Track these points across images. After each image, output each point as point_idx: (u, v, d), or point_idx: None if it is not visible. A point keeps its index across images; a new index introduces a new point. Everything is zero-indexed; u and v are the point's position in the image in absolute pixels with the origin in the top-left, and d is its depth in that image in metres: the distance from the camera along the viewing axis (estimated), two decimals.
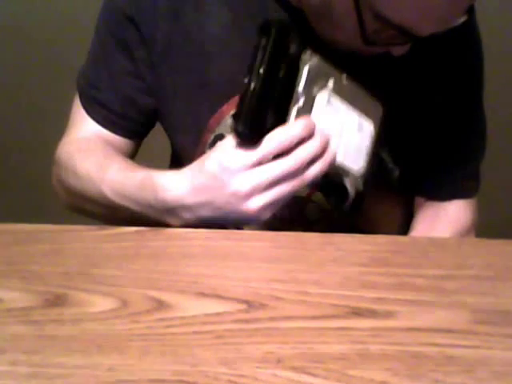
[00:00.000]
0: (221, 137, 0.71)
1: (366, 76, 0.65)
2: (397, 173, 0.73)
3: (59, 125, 1.65)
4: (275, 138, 0.57)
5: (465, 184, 0.77)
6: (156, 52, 0.71)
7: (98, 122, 0.77)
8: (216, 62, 0.70)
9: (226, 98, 0.70)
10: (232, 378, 0.43)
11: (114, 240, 0.59)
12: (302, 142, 0.58)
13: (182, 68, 0.71)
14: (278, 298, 0.50)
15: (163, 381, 0.43)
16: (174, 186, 0.61)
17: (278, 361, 0.44)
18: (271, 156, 0.57)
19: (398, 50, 0.61)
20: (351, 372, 0.43)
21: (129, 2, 0.71)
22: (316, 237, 0.59)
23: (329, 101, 0.61)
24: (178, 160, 0.81)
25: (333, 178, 0.62)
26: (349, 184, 0.63)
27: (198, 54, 0.70)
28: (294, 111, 0.59)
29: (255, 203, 0.58)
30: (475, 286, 0.52)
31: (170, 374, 0.43)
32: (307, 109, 0.59)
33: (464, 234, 0.77)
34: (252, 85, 0.57)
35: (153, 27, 0.70)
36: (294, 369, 0.43)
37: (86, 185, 0.70)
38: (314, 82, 0.60)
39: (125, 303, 0.50)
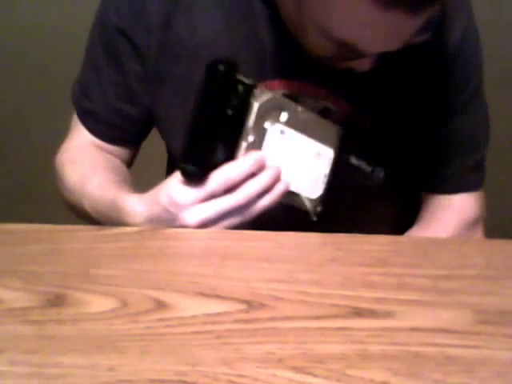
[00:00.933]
0: None
1: (357, 86, 0.66)
2: (380, 174, 0.73)
3: (59, 126, 1.66)
4: (222, 175, 0.58)
5: (469, 176, 0.77)
6: (150, 61, 0.72)
7: (89, 131, 0.79)
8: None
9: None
10: (232, 378, 0.43)
11: (114, 240, 0.59)
12: (251, 176, 0.59)
13: (175, 74, 0.72)
14: (277, 298, 0.50)
15: (163, 381, 0.43)
16: (134, 212, 0.62)
17: (278, 361, 0.44)
18: (219, 192, 0.58)
19: (360, 66, 0.60)
20: (351, 372, 0.43)
21: (120, 16, 0.71)
22: (316, 237, 0.59)
23: (282, 133, 0.61)
24: (175, 162, 0.81)
25: (288, 203, 0.63)
26: (308, 205, 0.64)
27: (191, 59, 0.70)
28: (243, 146, 0.59)
29: None
30: (476, 286, 0.52)
31: (169, 373, 0.43)
32: (258, 143, 0.60)
33: (471, 225, 0.77)
34: (193, 123, 0.58)
35: (146, 38, 0.71)
36: (294, 369, 0.43)
37: (72, 197, 0.73)
38: (266, 116, 0.60)
39: (124, 303, 0.50)
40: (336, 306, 0.49)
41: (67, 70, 1.49)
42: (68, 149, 0.79)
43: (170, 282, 0.52)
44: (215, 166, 0.58)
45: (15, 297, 0.51)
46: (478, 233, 0.78)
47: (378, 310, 0.49)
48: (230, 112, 0.58)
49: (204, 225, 0.59)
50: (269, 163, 0.60)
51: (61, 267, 0.54)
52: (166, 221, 0.60)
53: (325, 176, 0.64)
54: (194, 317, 0.48)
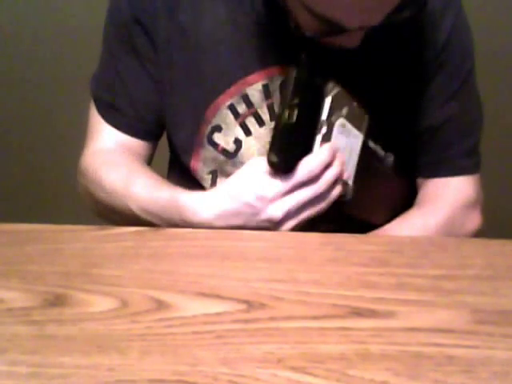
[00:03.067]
0: (218, 128, 0.73)
1: (350, 69, 0.67)
2: (391, 159, 0.74)
3: (59, 125, 1.66)
4: (306, 166, 0.61)
5: (464, 160, 0.78)
6: (159, 49, 0.73)
7: (114, 126, 0.78)
8: (211, 56, 0.72)
9: (221, 90, 0.72)
10: (232, 378, 0.43)
11: (114, 240, 0.59)
12: (327, 166, 0.62)
13: (179, 63, 0.73)
14: (277, 298, 0.50)
15: (163, 381, 0.43)
16: (202, 209, 0.63)
17: (278, 361, 0.44)
18: (304, 182, 0.62)
19: (346, 43, 0.61)
20: (351, 372, 0.43)
21: (132, 5, 0.72)
22: (316, 237, 0.59)
23: (343, 126, 0.65)
24: (176, 162, 0.82)
25: None
26: (348, 188, 0.67)
27: (194, 49, 0.72)
28: (318, 139, 0.63)
29: (286, 226, 0.62)
30: (475, 286, 0.52)
31: (170, 374, 0.43)
32: (328, 135, 0.64)
33: (467, 207, 0.77)
34: (287, 116, 0.60)
35: (155, 26, 0.72)
36: (294, 369, 0.43)
37: (113, 199, 0.72)
38: (334, 110, 0.64)
39: (125, 303, 0.50)
40: (336, 306, 0.49)
41: (65, 69, 1.49)
42: (96, 152, 0.79)
43: (170, 282, 0.52)
44: (297, 157, 0.62)
45: (15, 297, 0.51)
46: (475, 216, 0.78)
47: (377, 310, 0.49)
48: (307, 107, 0.62)
49: (288, 217, 0.61)
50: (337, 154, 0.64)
51: (61, 267, 0.55)
52: (247, 215, 0.62)
53: (357, 158, 0.68)
54: (194, 317, 0.48)
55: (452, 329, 0.47)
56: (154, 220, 0.67)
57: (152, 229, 0.60)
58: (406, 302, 0.50)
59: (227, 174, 0.75)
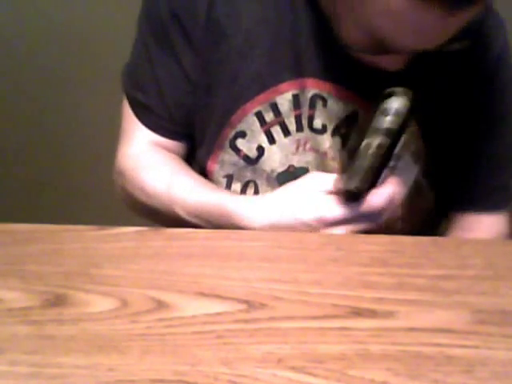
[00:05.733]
0: (242, 134, 0.72)
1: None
2: (424, 183, 0.74)
3: (60, 125, 1.65)
4: (374, 201, 0.60)
5: (498, 196, 0.76)
6: (195, 48, 0.71)
7: (148, 127, 0.77)
8: (244, 59, 0.70)
9: (251, 97, 0.70)
10: (232, 378, 0.43)
11: (114, 240, 0.59)
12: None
13: (213, 63, 0.71)
14: (277, 298, 0.50)
15: (163, 381, 0.43)
16: (255, 218, 0.63)
17: (278, 361, 0.44)
18: (364, 214, 0.61)
19: (389, 64, 0.60)
20: (351, 372, 0.43)
21: (171, 2, 0.70)
22: (316, 237, 0.59)
23: (407, 161, 0.64)
24: (192, 157, 0.81)
25: None
26: None
27: (230, 49, 0.70)
28: (385, 172, 0.62)
29: None
30: (475, 286, 0.52)
31: (170, 373, 0.43)
32: (393, 169, 0.63)
33: None
34: (378, 145, 0.59)
35: (193, 23, 0.70)
36: (294, 369, 0.43)
37: (156, 203, 0.72)
38: (406, 145, 0.63)
39: (125, 303, 0.50)
40: (336, 306, 0.49)
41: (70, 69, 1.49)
42: (134, 155, 0.77)
43: (170, 282, 0.52)
44: (368, 187, 0.61)
45: (15, 297, 0.51)
46: None
47: (378, 310, 0.49)
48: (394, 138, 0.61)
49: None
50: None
51: (61, 267, 0.54)
52: (298, 230, 0.62)
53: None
54: (194, 317, 0.48)
55: (452, 329, 0.47)
56: (201, 223, 0.67)
57: (152, 229, 0.60)
58: (406, 302, 0.50)
59: (244, 180, 0.75)
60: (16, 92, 1.53)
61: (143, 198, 0.74)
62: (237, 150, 0.74)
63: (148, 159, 0.76)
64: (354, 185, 0.60)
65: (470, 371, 0.43)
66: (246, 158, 0.74)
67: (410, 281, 0.52)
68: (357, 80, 0.67)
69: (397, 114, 0.59)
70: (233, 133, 0.73)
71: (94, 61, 1.44)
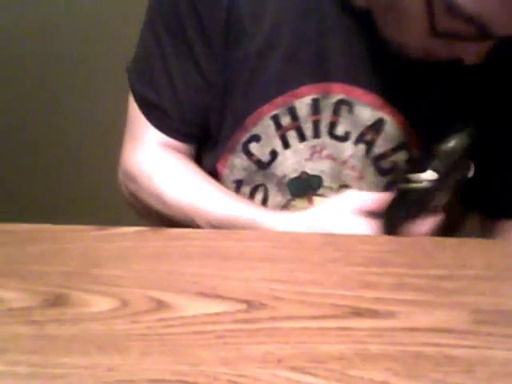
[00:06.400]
0: (256, 138, 0.70)
1: (416, 98, 0.64)
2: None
3: (60, 125, 1.65)
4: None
5: None
6: (216, 43, 0.67)
7: (159, 129, 0.73)
8: (264, 61, 0.67)
9: (269, 99, 0.68)
10: (232, 378, 0.43)
11: (114, 240, 0.59)
12: None
13: (236, 62, 0.67)
14: (277, 298, 0.50)
15: (163, 381, 0.43)
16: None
17: (278, 361, 0.44)
18: None
19: (470, 58, 0.56)
20: (351, 372, 0.43)
21: None
22: (316, 237, 0.59)
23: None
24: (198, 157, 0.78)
25: None
26: None
27: (249, 49, 0.66)
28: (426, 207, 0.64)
29: None
30: (475, 286, 0.52)
31: (170, 374, 0.43)
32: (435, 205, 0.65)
33: None
34: (434, 181, 0.60)
35: (213, 17, 0.66)
36: (294, 369, 0.43)
37: (175, 213, 0.69)
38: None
39: (125, 303, 0.50)
40: (336, 306, 0.49)
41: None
42: (148, 161, 0.73)
43: (170, 282, 0.52)
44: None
45: (15, 297, 0.51)
46: None
47: (377, 310, 0.49)
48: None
49: None
50: None
51: (61, 267, 0.54)
52: None
53: None
54: (194, 317, 0.48)
55: (452, 329, 0.47)
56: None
57: (152, 229, 0.60)
58: (406, 302, 0.50)
59: (253, 184, 0.72)
60: (16, 92, 1.53)
61: (160, 207, 0.71)
62: (249, 154, 0.71)
63: (164, 165, 0.73)
64: (394, 221, 0.62)
65: (470, 371, 0.43)
66: (258, 162, 0.71)
67: (409, 281, 0.52)
68: (385, 86, 0.65)
69: (454, 152, 0.60)
70: (247, 136, 0.70)
71: (100, 58, 1.43)
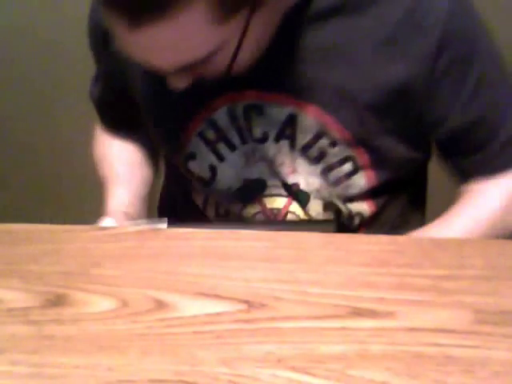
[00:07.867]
0: (192, 155, 0.73)
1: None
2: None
3: (60, 125, 1.65)
4: None
5: (503, 156, 0.70)
6: (127, 76, 0.74)
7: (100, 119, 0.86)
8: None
9: (191, 116, 0.71)
10: (232, 378, 0.43)
11: (114, 240, 0.59)
12: None
13: (144, 88, 0.74)
14: (277, 298, 0.50)
15: (163, 381, 0.43)
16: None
17: (278, 361, 0.44)
18: None
19: (173, 83, 0.61)
20: (351, 372, 0.43)
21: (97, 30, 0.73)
22: (316, 237, 0.59)
23: None
24: (169, 168, 0.86)
25: None
26: None
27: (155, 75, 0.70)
28: None
29: None
30: (475, 286, 0.51)
31: (170, 373, 0.43)
32: None
33: None
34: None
35: (103, 53, 0.75)
36: (294, 369, 0.43)
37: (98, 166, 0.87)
38: None
39: (125, 303, 0.50)
40: (336, 306, 0.49)
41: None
42: (100, 135, 0.87)
43: (170, 282, 0.52)
44: None
45: (15, 297, 0.51)
46: None
47: (378, 310, 0.49)
48: None
49: None
50: None
51: (61, 267, 0.54)
52: None
53: None
54: (194, 317, 0.48)
55: (452, 329, 0.47)
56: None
57: (152, 229, 0.60)
58: (406, 302, 0.49)
59: (204, 195, 0.78)
60: (16, 92, 1.53)
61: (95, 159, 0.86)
62: (191, 173, 0.75)
63: (105, 140, 0.86)
64: None
65: (470, 371, 0.43)
66: (201, 180, 0.75)
67: (410, 281, 0.52)
68: (291, 81, 0.66)
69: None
70: (183, 157, 0.74)
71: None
